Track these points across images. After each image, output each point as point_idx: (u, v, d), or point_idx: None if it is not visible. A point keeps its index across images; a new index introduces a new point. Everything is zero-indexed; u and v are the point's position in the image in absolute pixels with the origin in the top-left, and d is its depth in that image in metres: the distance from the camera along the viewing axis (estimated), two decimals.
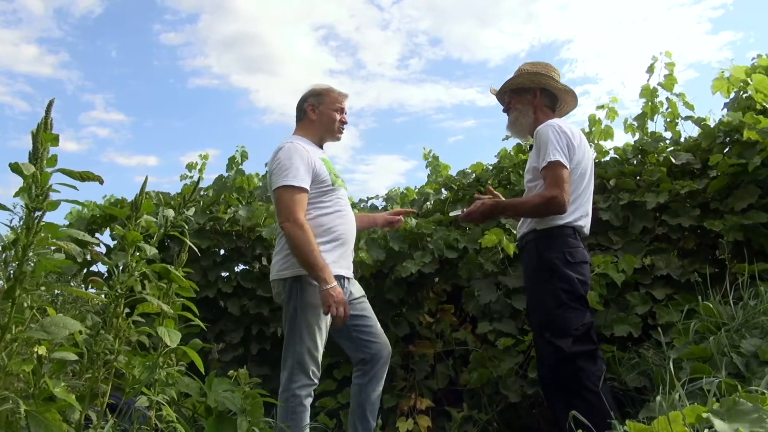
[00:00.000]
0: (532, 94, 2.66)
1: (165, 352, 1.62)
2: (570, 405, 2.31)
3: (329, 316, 2.44)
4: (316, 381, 2.44)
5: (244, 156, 4.53)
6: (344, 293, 2.52)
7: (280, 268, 2.52)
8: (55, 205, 1.49)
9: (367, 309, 2.69)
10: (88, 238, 1.51)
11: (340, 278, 2.51)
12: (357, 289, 2.69)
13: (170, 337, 1.46)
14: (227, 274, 3.84)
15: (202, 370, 1.73)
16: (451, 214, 2.81)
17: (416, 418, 3.17)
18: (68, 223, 3.93)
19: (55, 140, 1.44)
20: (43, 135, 1.42)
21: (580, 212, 2.50)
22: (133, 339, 1.67)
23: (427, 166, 4.94)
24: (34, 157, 1.40)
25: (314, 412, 3.37)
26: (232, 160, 4.49)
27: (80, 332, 1.55)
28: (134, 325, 1.61)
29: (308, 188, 2.48)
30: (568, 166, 2.42)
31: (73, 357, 1.50)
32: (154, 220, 1.67)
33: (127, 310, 1.59)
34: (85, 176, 1.49)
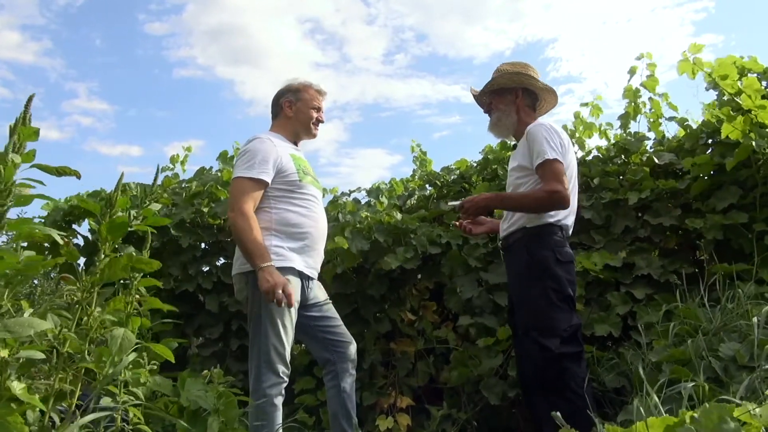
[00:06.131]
0: (514, 94, 2.65)
1: (134, 350, 1.58)
2: (553, 405, 2.30)
3: (294, 310, 2.41)
4: (285, 379, 2.39)
5: (237, 153, 4.40)
6: (306, 293, 2.51)
7: (242, 262, 2.46)
8: (27, 200, 1.44)
9: (331, 310, 2.67)
10: (54, 234, 1.47)
11: (302, 276, 2.48)
12: (321, 293, 2.66)
13: (122, 344, 1.42)
14: (208, 268, 3.79)
15: (173, 360, 1.69)
16: (449, 204, 2.76)
17: (396, 416, 3.16)
18: (46, 213, 3.84)
19: (35, 134, 1.40)
20: (22, 129, 1.37)
21: (567, 211, 2.52)
22: (104, 336, 1.64)
23: (414, 161, 4.91)
24: (6, 151, 1.36)
25: (293, 408, 3.35)
26: (224, 154, 4.37)
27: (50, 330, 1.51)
28: (104, 323, 1.57)
29: (268, 181, 2.45)
30: (564, 163, 2.43)
31: (41, 355, 1.46)
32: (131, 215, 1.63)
33: (98, 308, 1.55)
34: (61, 171, 1.46)
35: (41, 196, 1.41)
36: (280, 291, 2.25)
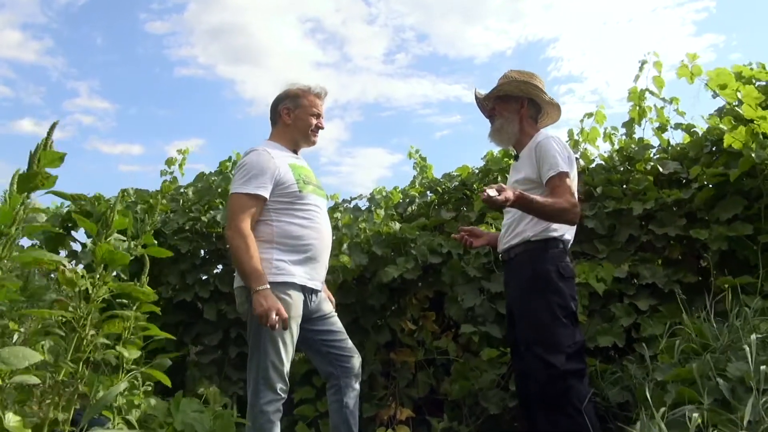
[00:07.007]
0: (519, 103, 2.60)
1: (127, 374, 1.54)
2: (555, 423, 2.28)
3: (296, 326, 2.38)
4: (283, 396, 2.35)
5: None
6: (309, 306, 2.46)
7: None
8: (35, 229, 1.41)
9: (336, 324, 2.61)
10: (56, 258, 1.43)
11: (305, 290, 2.43)
12: (327, 305, 2.61)
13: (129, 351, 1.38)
14: (206, 277, 3.75)
15: (168, 384, 1.65)
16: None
17: (396, 429, 3.12)
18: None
19: (59, 160, 1.36)
20: (44, 154, 1.33)
21: (569, 226, 2.48)
22: (98, 358, 1.60)
23: (414, 167, 4.86)
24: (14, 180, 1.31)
25: (292, 420, 3.32)
26: (223, 164, 4.34)
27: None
28: (99, 347, 1.53)
29: (266, 196, 2.40)
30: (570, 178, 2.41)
31: (35, 380, 1.42)
32: (124, 239, 1.59)
33: (92, 331, 1.51)
34: (76, 197, 1.44)
35: (46, 227, 1.37)
36: (274, 315, 2.21)
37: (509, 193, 2.19)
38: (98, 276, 1.47)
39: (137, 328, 1.55)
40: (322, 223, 2.53)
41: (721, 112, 3.39)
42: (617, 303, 3.05)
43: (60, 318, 1.63)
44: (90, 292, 1.45)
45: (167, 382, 1.61)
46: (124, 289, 1.52)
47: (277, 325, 2.22)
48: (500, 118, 2.63)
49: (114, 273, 1.61)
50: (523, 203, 2.30)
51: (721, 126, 3.06)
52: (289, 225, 2.42)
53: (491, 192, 2.16)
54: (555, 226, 2.41)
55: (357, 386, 2.60)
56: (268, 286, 2.27)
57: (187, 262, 3.71)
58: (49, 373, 1.39)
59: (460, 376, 3.09)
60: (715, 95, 3.37)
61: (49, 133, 1.31)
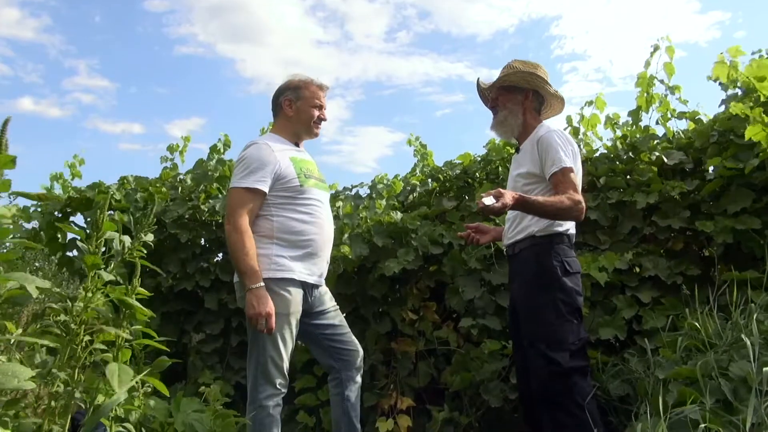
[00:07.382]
0: (524, 95, 2.55)
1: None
2: (557, 420, 2.27)
3: (295, 321, 2.37)
4: (282, 390, 2.36)
5: (227, 145, 4.38)
6: (309, 301, 2.46)
7: None
8: (4, 233, 1.38)
9: (338, 317, 2.61)
10: (38, 282, 1.39)
11: (305, 285, 2.42)
12: (329, 299, 2.60)
13: (120, 377, 1.36)
14: (207, 265, 3.74)
15: (166, 393, 1.64)
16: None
17: (396, 418, 3.13)
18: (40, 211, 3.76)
19: (12, 162, 1.33)
20: None
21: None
22: (97, 359, 1.59)
23: (415, 154, 4.81)
24: None
25: (293, 410, 3.33)
26: (213, 148, 4.33)
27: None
28: (96, 351, 1.52)
29: (265, 190, 2.38)
30: (574, 172, 2.37)
31: (31, 385, 1.41)
32: (118, 237, 1.56)
33: (88, 337, 1.49)
34: (42, 197, 1.41)
35: (24, 242, 1.34)
36: (263, 321, 2.22)
37: (507, 199, 2.15)
38: (90, 281, 1.45)
39: (137, 332, 1.53)
40: (323, 218, 2.51)
41: (731, 99, 3.31)
42: (619, 295, 3.03)
43: (58, 318, 1.62)
44: (84, 299, 1.43)
45: (164, 390, 1.60)
46: (119, 295, 1.50)
47: (264, 330, 2.23)
48: (503, 109, 2.58)
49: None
50: (523, 206, 2.26)
51: (753, 116, 2.95)
52: (289, 220, 2.40)
53: (487, 201, 2.11)
54: (561, 221, 2.39)
55: (359, 379, 2.61)
56: (263, 284, 2.26)
57: (187, 250, 3.69)
58: (43, 382, 1.38)
59: (461, 367, 3.09)
60: (745, 87, 3.29)
61: (2, 132, 1.26)
